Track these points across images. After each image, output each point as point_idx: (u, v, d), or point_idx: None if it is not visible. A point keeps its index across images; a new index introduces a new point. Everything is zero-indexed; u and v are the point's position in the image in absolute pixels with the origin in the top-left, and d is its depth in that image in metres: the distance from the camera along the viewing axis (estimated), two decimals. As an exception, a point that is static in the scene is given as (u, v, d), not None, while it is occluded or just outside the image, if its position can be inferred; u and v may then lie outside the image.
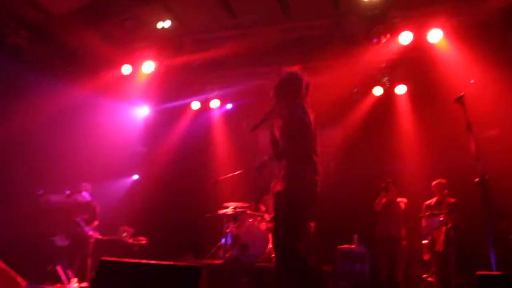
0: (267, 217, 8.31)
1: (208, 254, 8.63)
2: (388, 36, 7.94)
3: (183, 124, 10.57)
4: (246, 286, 7.40)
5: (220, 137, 10.51)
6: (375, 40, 7.99)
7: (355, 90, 9.85)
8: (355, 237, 7.72)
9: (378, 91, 9.67)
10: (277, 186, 8.07)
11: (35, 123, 8.77)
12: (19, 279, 4.61)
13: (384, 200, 7.78)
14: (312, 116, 4.26)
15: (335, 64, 8.99)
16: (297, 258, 3.99)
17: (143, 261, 4.31)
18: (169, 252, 7.94)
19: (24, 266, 4.83)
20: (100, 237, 8.05)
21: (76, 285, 4.63)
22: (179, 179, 9.95)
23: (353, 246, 7.62)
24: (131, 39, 9.47)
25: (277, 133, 4.22)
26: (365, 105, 9.85)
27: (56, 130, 9.36)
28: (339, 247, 7.69)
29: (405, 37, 7.90)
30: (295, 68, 4.43)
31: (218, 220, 8.75)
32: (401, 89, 9.58)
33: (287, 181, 4.09)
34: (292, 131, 4.08)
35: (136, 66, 9.60)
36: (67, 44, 9.60)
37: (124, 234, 8.27)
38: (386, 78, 9.63)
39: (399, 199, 7.84)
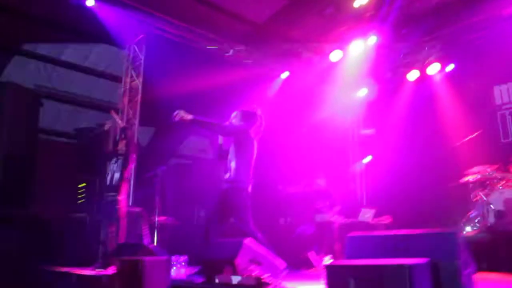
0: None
1: (458, 226, 7.96)
2: None
3: (405, 96, 10.09)
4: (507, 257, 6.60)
5: (446, 102, 9.68)
6: None
7: None
8: None
9: None
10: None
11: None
12: (279, 261, 4.90)
13: None
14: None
15: None
16: None
17: (389, 232, 4.18)
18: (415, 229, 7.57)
19: (279, 255, 5.13)
20: (343, 221, 8.17)
21: (330, 261, 4.75)
22: (412, 152, 9.50)
23: None
24: (333, 25, 9.49)
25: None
26: None
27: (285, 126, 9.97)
28: None
29: None
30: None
31: (464, 189, 8.04)
32: None
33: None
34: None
35: (344, 50, 9.58)
36: (278, 46, 10.18)
37: (367, 215, 8.23)
38: None
39: None
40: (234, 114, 5.78)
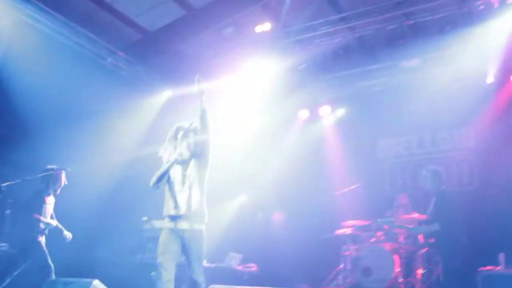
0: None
1: (325, 281, 7.96)
2: None
3: (292, 136, 9.84)
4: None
5: (333, 147, 9.63)
6: None
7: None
8: (502, 256, 6.53)
9: None
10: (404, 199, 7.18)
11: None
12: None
13: None
14: None
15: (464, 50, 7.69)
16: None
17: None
18: (282, 280, 7.24)
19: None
20: (207, 264, 7.60)
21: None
22: (289, 197, 9.19)
23: (499, 268, 6.47)
24: (231, 47, 9.01)
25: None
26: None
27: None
28: (481, 269, 6.55)
29: None
30: None
31: (335, 242, 7.99)
32: None
33: None
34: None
35: (237, 73, 9.13)
36: (164, 59, 9.48)
37: (232, 260, 7.77)
38: None
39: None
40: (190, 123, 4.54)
